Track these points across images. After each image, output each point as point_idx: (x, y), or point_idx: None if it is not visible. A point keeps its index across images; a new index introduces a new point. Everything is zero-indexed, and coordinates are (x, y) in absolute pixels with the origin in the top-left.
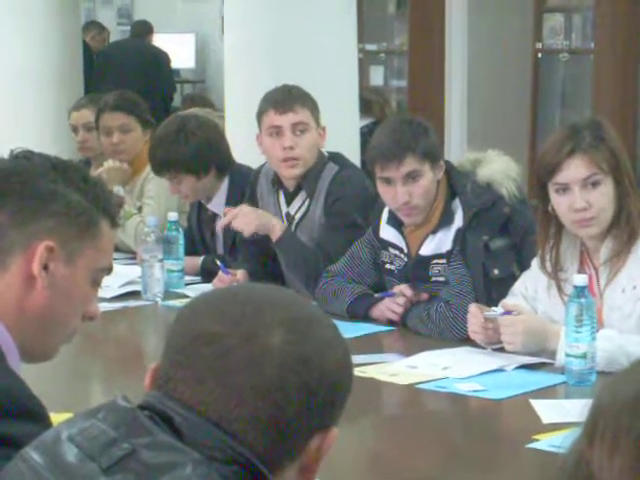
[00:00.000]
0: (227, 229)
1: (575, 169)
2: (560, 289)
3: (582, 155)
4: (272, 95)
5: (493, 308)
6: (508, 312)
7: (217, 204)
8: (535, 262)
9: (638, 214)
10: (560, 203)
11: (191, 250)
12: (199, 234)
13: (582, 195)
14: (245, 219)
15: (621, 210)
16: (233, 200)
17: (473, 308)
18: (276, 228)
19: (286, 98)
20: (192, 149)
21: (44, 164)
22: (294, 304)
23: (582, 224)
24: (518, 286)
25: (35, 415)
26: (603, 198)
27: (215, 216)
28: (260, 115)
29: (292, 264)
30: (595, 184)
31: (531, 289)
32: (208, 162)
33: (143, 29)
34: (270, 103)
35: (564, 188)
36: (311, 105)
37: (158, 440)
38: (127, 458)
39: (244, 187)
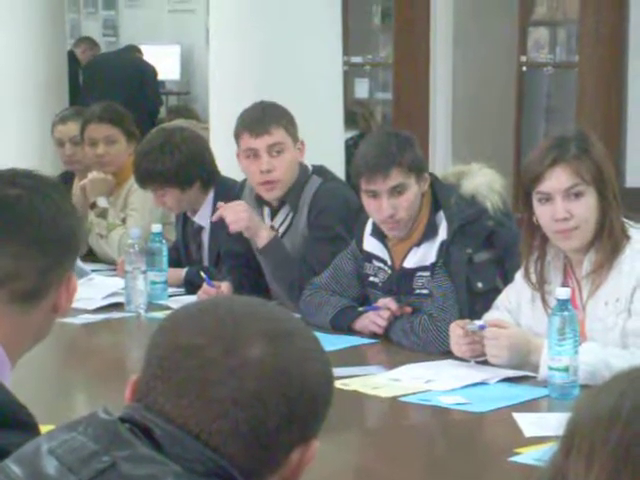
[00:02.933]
0: (213, 241)
1: (557, 179)
2: (545, 301)
3: (565, 165)
4: (246, 116)
5: (475, 321)
6: (483, 326)
7: (202, 216)
8: (519, 275)
9: (621, 227)
10: (542, 213)
11: (175, 262)
12: (184, 246)
13: (564, 205)
14: (237, 215)
15: (604, 223)
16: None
17: (455, 328)
18: (263, 235)
19: (260, 119)
20: (177, 162)
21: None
22: (275, 316)
23: (564, 235)
24: (502, 299)
25: (24, 424)
26: (585, 209)
27: (201, 228)
28: (236, 136)
29: (276, 274)
30: (578, 195)
31: (514, 302)
32: (192, 175)
33: (132, 49)
34: (244, 126)
35: (547, 198)
36: (286, 123)
37: (138, 453)
38: (107, 471)
39: (229, 199)
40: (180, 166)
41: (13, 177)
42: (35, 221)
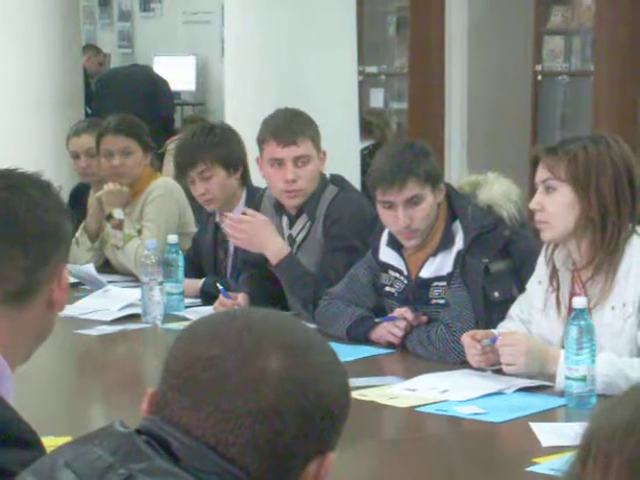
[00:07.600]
0: (237, 250)
1: (539, 171)
2: (559, 305)
3: (545, 159)
4: (273, 123)
5: (492, 330)
6: (495, 339)
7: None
8: (530, 284)
9: (618, 230)
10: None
11: (199, 271)
12: (213, 255)
13: (538, 196)
14: (243, 234)
15: (588, 223)
16: None
17: (467, 340)
18: (273, 251)
19: (288, 129)
20: (227, 142)
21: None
22: (292, 328)
23: (539, 226)
24: (514, 309)
25: (25, 442)
26: (554, 204)
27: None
28: (261, 142)
29: (290, 289)
30: (549, 189)
31: (526, 312)
32: (238, 157)
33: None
34: (271, 133)
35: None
36: (312, 133)
37: (155, 465)
38: None
39: (254, 207)
40: (230, 146)
41: None
42: (13, 221)
